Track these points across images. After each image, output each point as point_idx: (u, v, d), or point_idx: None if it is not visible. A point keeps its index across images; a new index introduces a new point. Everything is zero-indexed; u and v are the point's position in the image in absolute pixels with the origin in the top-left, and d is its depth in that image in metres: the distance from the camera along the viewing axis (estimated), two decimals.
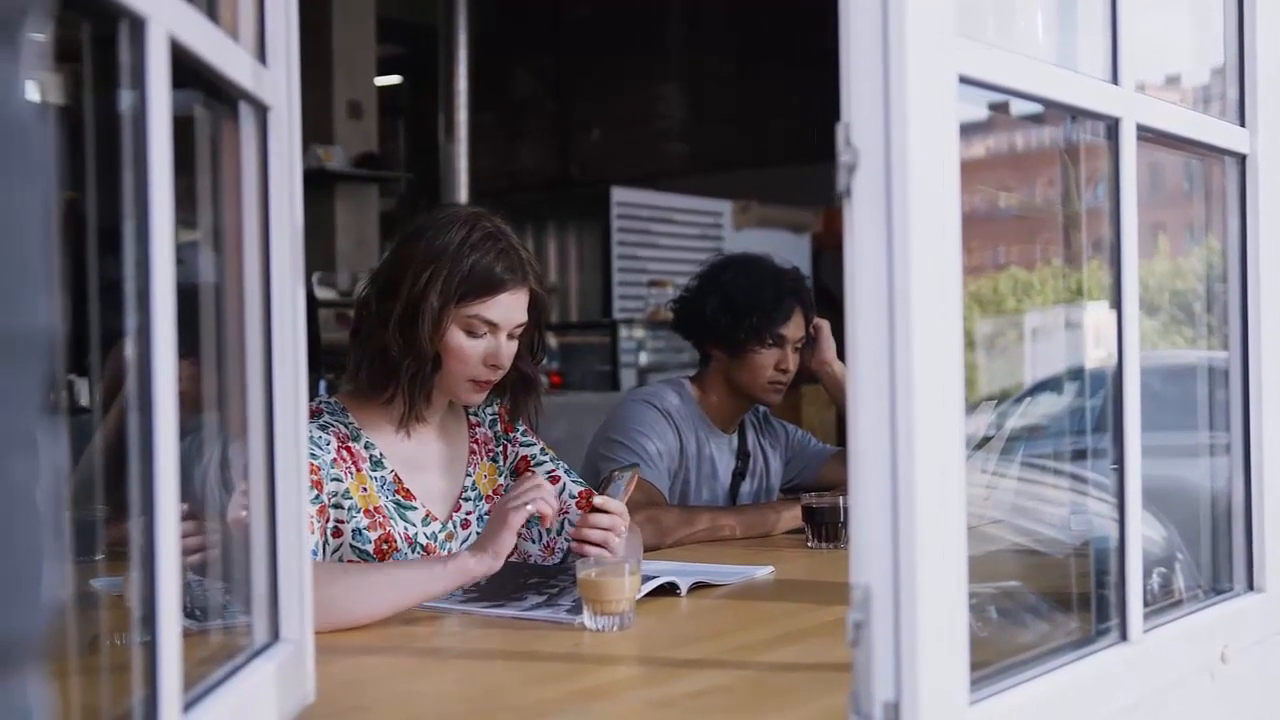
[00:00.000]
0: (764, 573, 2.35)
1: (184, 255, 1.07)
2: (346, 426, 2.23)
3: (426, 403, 2.25)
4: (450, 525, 2.29)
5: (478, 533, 2.29)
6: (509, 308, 2.21)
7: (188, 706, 1.08)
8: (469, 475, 2.35)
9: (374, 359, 2.21)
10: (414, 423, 2.26)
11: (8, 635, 0.56)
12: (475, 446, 2.38)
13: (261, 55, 1.35)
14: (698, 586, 2.19)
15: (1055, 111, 1.61)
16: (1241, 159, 1.81)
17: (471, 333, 2.20)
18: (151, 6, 0.99)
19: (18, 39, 0.60)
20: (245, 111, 1.34)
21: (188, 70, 1.10)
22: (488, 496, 2.36)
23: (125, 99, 1.00)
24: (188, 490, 1.06)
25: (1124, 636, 1.51)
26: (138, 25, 0.99)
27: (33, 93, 0.61)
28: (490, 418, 2.43)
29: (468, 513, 2.33)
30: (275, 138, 1.37)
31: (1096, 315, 1.81)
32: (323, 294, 7.02)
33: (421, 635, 1.88)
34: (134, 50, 0.99)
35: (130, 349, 1.00)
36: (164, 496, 1.01)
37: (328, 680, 1.47)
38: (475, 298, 2.18)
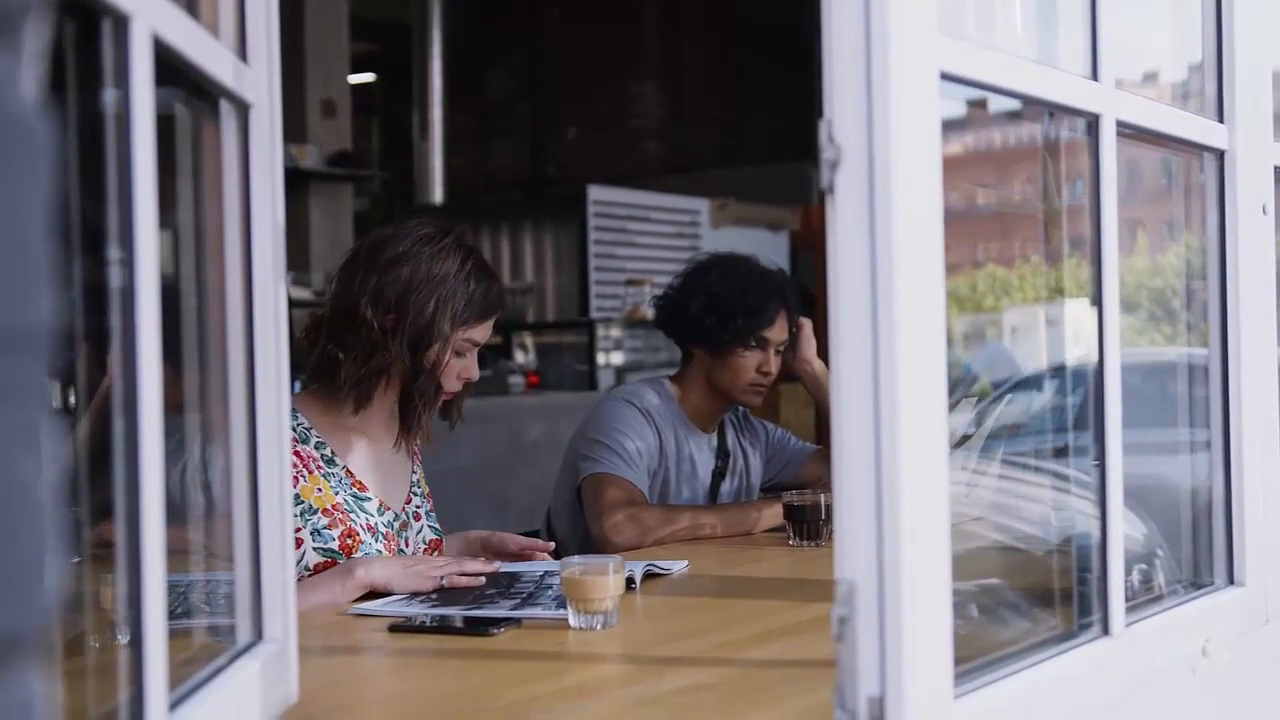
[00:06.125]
0: (679, 567, 2.36)
1: (163, 255, 1.07)
2: (294, 429, 2.24)
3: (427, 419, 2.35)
4: (404, 515, 2.38)
5: (429, 525, 2.43)
6: (490, 328, 2.35)
7: (173, 706, 1.07)
8: (414, 473, 2.46)
9: (375, 375, 2.26)
10: (408, 438, 2.34)
11: (13, 630, 0.57)
12: (415, 448, 2.48)
13: (243, 53, 1.35)
14: (649, 576, 2.23)
15: (1033, 109, 1.61)
16: (1220, 154, 1.82)
17: (460, 353, 2.30)
18: (135, 4, 0.98)
19: (19, 37, 0.60)
20: (226, 110, 1.33)
21: (167, 68, 1.09)
22: (427, 495, 2.48)
23: (107, 96, 1.00)
24: (166, 491, 1.06)
25: (1106, 630, 1.52)
26: (121, 23, 0.98)
27: (33, 90, 0.61)
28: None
29: (417, 506, 2.43)
30: (257, 136, 1.36)
31: (1075, 313, 1.82)
32: (296, 294, 6.97)
33: (404, 635, 1.88)
34: (117, 48, 0.99)
35: (114, 350, 1.00)
36: (149, 497, 1.00)
37: (311, 680, 1.46)
38: (476, 322, 2.29)
